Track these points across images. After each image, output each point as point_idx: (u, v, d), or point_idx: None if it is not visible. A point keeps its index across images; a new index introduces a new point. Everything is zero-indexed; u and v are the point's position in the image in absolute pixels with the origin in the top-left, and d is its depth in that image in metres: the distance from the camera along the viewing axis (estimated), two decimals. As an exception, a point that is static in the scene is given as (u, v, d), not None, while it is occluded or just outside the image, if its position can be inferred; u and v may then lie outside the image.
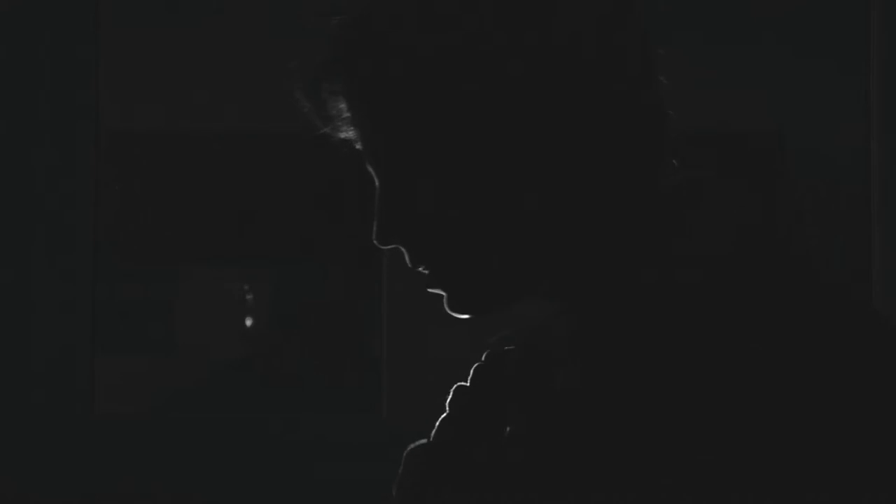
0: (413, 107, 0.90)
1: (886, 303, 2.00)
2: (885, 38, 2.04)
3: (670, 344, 0.86)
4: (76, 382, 1.95)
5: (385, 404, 1.96)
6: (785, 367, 0.83)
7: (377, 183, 0.94)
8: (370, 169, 0.95)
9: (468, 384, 0.90)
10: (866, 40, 2.06)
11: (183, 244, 3.26)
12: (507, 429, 0.88)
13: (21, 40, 1.95)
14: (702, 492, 0.81)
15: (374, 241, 0.93)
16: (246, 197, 3.14)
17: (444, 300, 0.93)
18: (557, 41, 0.88)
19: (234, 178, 3.12)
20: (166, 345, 3.35)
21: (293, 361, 3.28)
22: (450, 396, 0.90)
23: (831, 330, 0.85)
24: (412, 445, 0.90)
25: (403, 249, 0.93)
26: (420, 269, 0.93)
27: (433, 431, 0.90)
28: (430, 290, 0.94)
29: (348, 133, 0.95)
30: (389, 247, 0.94)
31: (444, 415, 0.90)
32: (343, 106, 0.94)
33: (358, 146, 0.95)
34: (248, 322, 3.33)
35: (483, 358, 0.91)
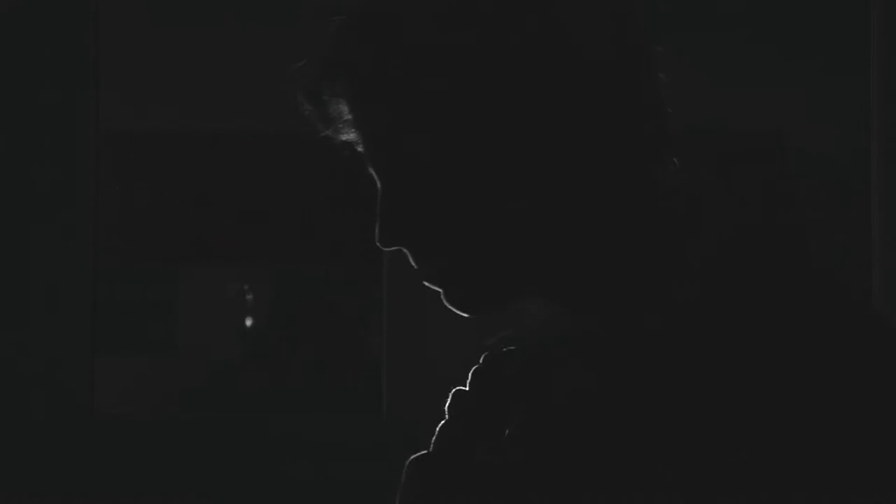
0: (413, 107, 0.90)
1: (886, 303, 2.00)
2: (885, 38, 2.04)
3: (672, 345, 0.86)
4: (76, 382, 1.95)
5: (385, 404, 1.96)
6: (785, 367, 0.83)
7: (379, 185, 0.94)
8: (371, 171, 0.95)
9: (467, 388, 0.90)
10: (866, 40, 2.06)
11: (183, 244, 3.26)
12: (507, 429, 0.88)
13: (21, 40, 1.95)
14: (702, 492, 0.81)
15: (377, 244, 0.93)
16: (246, 197, 3.14)
17: (443, 295, 0.93)
18: (558, 41, 0.88)
19: (234, 178, 3.12)
20: (166, 345, 3.35)
21: (293, 361, 3.28)
22: (448, 401, 0.90)
23: (831, 330, 0.85)
24: (413, 456, 0.89)
25: (406, 251, 0.93)
26: (423, 271, 0.93)
27: (433, 438, 0.90)
28: (426, 284, 0.94)
29: (349, 136, 0.95)
30: (392, 248, 0.93)
31: (444, 421, 0.89)
32: (344, 108, 0.94)
33: (359, 148, 0.95)
34: (248, 322, 3.34)
35: (481, 360, 0.90)
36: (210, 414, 2.58)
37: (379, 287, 1.99)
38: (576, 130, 0.88)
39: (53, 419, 1.94)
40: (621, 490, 0.83)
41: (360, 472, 1.90)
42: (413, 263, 0.93)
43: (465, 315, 0.94)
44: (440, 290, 0.93)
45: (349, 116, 0.94)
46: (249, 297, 3.33)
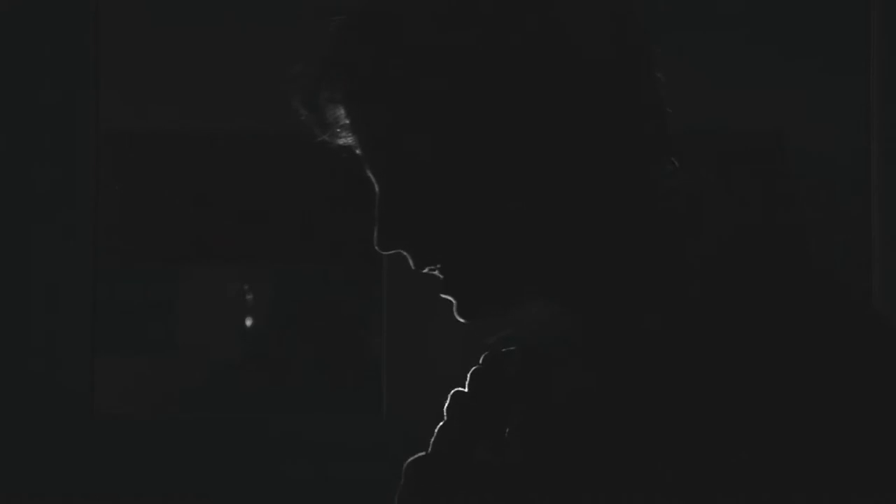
0: (413, 107, 0.90)
1: (886, 303, 2.00)
2: (885, 38, 2.04)
3: (672, 345, 0.86)
4: (76, 382, 1.95)
5: (385, 404, 1.96)
6: (785, 367, 0.83)
7: (377, 188, 0.94)
8: (370, 174, 0.95)
9: (466, 389, 0.90)
10: (866, 40, 2.06)
11: (183, 244, 3.26)
12: (507, 429, 0.88)
13: (21, 40, 1.95)
14: (702, 492, 0.81)
15: (376, 247, 0.93)
16: (246, 197, 3.14)
17: (454, 307, 0.93)
18: (558, 41, 0.88)
19: (234, 178, 3.12)
20: (166, 345, 3.35)
21: (293, 361, 3.27)
22: (447, 402, 0.90)
23: (831, 331, 0.85)
24: (412, 458, 0.89)
25: (406, 253, 0.93)
26: (426, 270, 0.93)
27: (432, 440, 0.89)
28: (442, 295, 0.94)
29: (346, 140, 0.95)
30: (391, 252, 0.93)
31: (442, 423, 0.89)
32: (341, 113, 0.94)
33: (357, 151, 0.95)
34: (248, 322, 3.33)
35: (480, 361, 0.90)
36: (210, 414, 2.58)
37: (379, 287, 1.99)
38: (576, 130, 0.88)
39: (53, 419, 1.94)
40: (621, 490, 0.83)
41: (360, 472, 1.90)
42: (413, 266, 0.93)
43: (467, 321, 0.94)
44: (453, 300, 0.93)
45: (347, 120, 0.94)
46: (249, 297, 3.33)
